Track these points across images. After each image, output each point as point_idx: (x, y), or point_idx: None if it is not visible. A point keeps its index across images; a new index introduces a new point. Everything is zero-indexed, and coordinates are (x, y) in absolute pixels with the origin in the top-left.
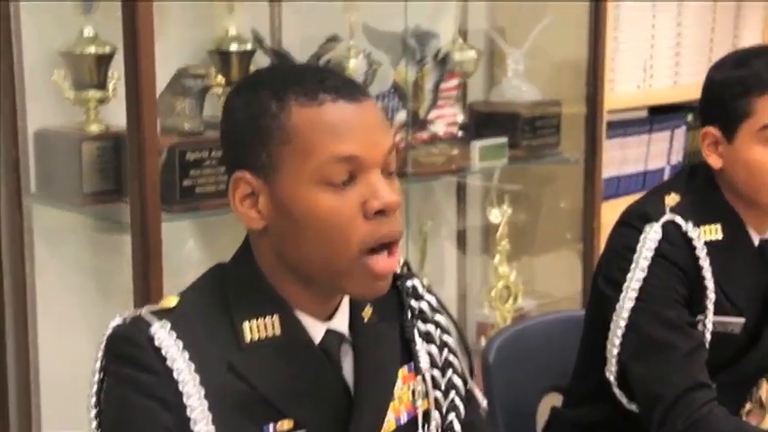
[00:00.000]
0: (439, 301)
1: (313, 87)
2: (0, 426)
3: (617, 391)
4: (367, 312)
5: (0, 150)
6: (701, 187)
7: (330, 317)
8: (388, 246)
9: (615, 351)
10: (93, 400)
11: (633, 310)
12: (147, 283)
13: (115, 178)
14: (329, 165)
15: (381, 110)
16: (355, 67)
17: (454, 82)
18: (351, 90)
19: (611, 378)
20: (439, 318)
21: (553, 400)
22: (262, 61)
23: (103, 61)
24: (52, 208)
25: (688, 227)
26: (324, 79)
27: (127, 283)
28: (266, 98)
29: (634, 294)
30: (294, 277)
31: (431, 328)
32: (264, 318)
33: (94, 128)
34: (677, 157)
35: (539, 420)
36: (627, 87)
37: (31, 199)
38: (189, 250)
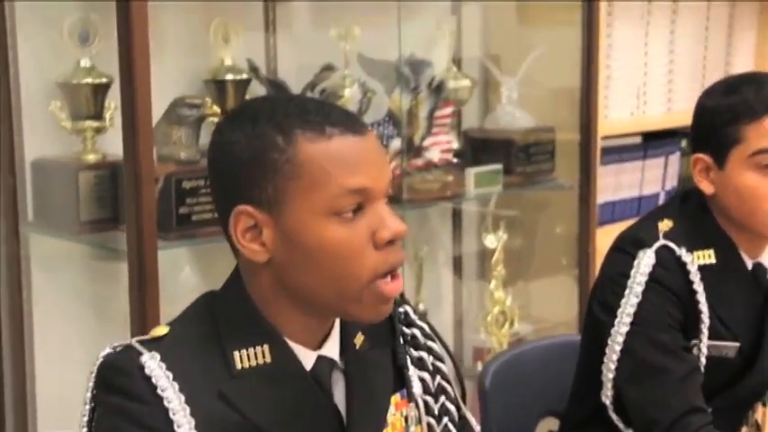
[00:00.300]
0: (431, 327)
1: (319, 121)
2: None
3: (613, 415)
4: (358, 339)
5: None
6: (693, 213)
7: (321, 344)
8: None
9: (611, 375)
10: (85, 430)
11: (628, 334)
12: (143, 310)
13: (112, 206)
14: (340, 197)
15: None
16: (350, 95)
17: (449, 110)
18: (354, 123)
19: (607, 402)
20: (431, 344)
21: (549, 424)
22: (258, 90)
23: (100, 91)
24: (49, 236)
25: (681, 252)
26: (328, 113)
27: (124, 310)
28: (270, 132)
29: (629, 319)
30: (293, 305)
31: (423, 354)
32: (255, 347)
33: (91, 157)
34: (672, 183)
35: None
36: (620, 114)
37: (28, 227)
38: (185, 277)
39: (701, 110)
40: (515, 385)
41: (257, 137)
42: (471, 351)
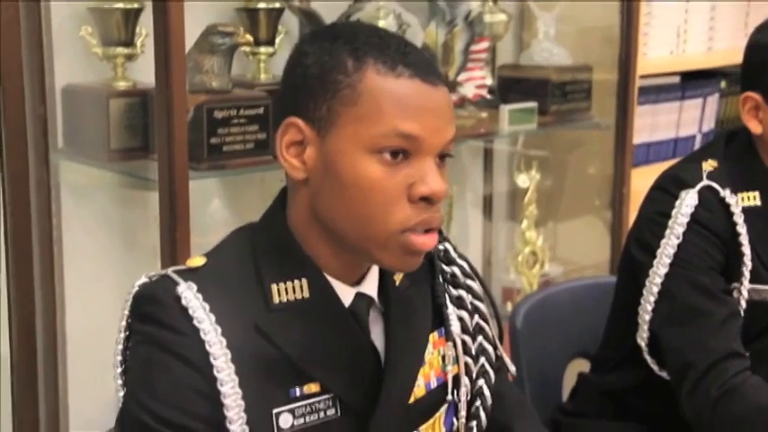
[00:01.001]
0: (471, 265)
1: (394, 57)
2: (28, 380)
3: (648, 357)
4: (398, 276)
5: (27, 106)
6: (739, 153)
7: (359, 281)
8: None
9: (647, 317)
10: (119, 358)
11: (667, 276)
12: (173, 239)
13: (142, 135)
14: (389, 137)
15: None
16: (385, 27)
17: (484, 44)
18: (429, 72)
19: (642, 344)
20: (470, 283)
21: (580, 365)
22: (290, 20)
23: (131, 17)
24: (79, 164)
25: (725, 193)
26: (407, 53)
27: (153, 239)
28: (343, 53)
29: (668, 260)
30: (326, 237)
31: (462, 293)
32: (293, 280)
33: (122, 84)
34: (709, 125)
35: (565, 386)
36: (659, 52)
37: (58, 155)
38: (214, 209)
39: (753, 46)
40: (546, 326)
41: (330, 54)
42: (500, 291)
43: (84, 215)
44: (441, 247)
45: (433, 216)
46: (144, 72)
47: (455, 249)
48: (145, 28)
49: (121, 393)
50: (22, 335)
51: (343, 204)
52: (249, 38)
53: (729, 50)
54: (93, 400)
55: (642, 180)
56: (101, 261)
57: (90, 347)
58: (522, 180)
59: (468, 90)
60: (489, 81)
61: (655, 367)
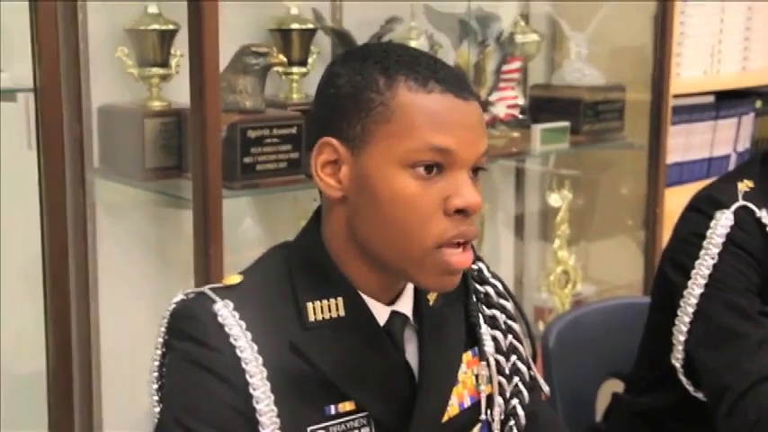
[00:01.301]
0: (504, 285)
1: (425, 74)
2: (64, 397)
3: (683, 378)
4: (432, 296)
5: (64, 126)
6: None
7: (394, 300)
8: (462, 244)
9: (682, 338)
10: (155, 374)
11: (702, 297)
12: (207, 257)
13: (177, 154)
14: (423, 151)
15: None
16: (416, 47)
17: (516, 64)
18: (460, 87)
19: (678, 365)
20: (504, 303)
21: (613, 386)
22: (322, 41)
23: (167, 38)
24: (114, 182)
25: (762, 213)
26: (437, 69)
27: (187, 257)
28: (375, 72)
29: (703, 281)
30: (362, 256)
31: (496, 312)
32: (329, 299)
33: (157, 104)
34: (744, 144)
35: (598, 407)
36: (693, 72)
37: (94, 174)
38: (247, 227)
39: None
40: (579, 346)
41: (361, 74)
42: (532, 310)
43: (119, 233)
44: (474, 266)
45: (468, 229)
46: (179, 92)
47: (488, 269)
48: (180, 49)
49: (157, 409)
50: (58, 352)
51: (379, 221)
52: (282, 58)
53: (764, 70)
54: (128, 417)
55: (675, 200)
56: (135, 278)
57: (124, 364)
58: (555, 199)
59: (500, 110)
60: (521, 101)
61: (690, 388)
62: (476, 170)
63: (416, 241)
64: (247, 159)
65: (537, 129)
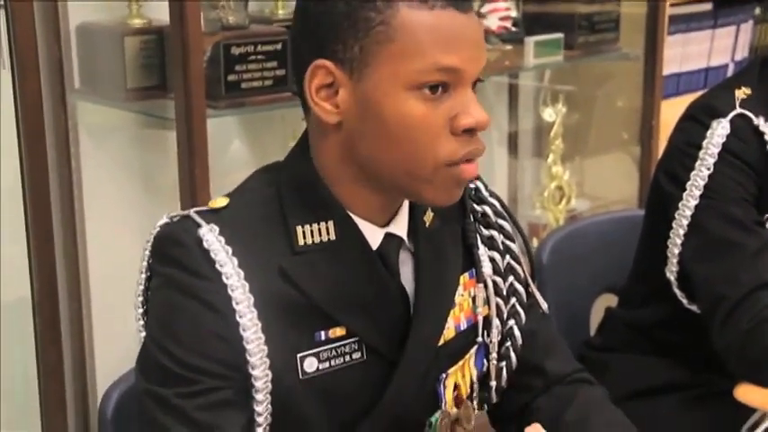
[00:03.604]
0: (503, 204)
1: None
2: (50, 322)
3: (677, 291)
4: (428, 217)
5: (41, 47)
6: None
7: (389, 222)
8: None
9: (677, 250)
10: (140, 299)
11: (697, 208)
12: (192, 178)
13: (159, 73)
14: (430, 72)
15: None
16: None
17: None
18: None
19: (672, 278)
20: (502, 222)
21: (607, 300)
22: None
23: None
24: (96, 104)
25: (759, 121)
26: None
27: (172, 178)
28: None
29: (698, 192)
30: (359, 178)
31: (494, 233)
32: (319, 222)
33: (137, 22)
34: (742, 53)
35: (592, 322)
36: None
37: (74, 95)
38: (235, 150)
39: None
40: (573, 261)
41: None
42: (527, 227)
43: (102, 156)
44: (472, 185)
45: (477, 147)
46: (159, 9)
47: (486, 187)
48: None
49: (143, 335)
50: (43, 278)
51: (386, 144)
52: None
53: None
54: (118, 340)
55: (672, 112)
56: (121, 201)
57: (112, 288)
58: (548, 114)
59: (492, 22)
60: (514, 13)
61: (684, 301)
62: (473, 84)
63: (425, 161)
64: (231, 77)
65: (530, 41)
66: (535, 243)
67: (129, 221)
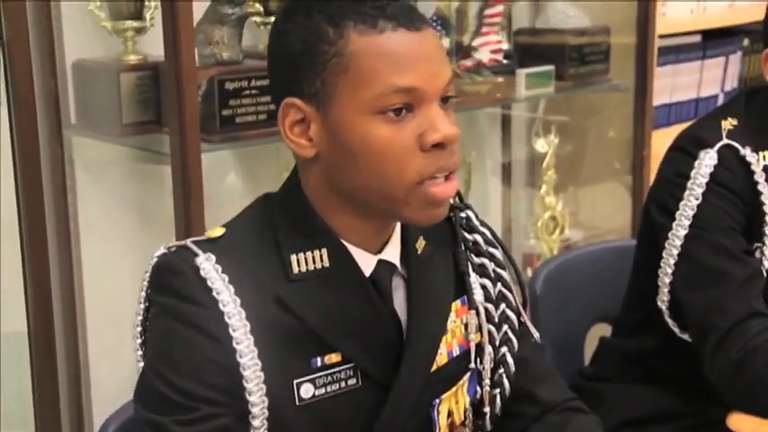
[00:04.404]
0: (493, 233)
1: (373, 13)
2: (47, 358)
3: (669, 320)
4: (420, 244)
5: (37, 82)
6: (760, 110)
7: (381, 249)
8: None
9: (667, 280)
10: (139, 329)
11: (687, 238)
12: (188, 212)
13: (155, 108)
14: (387, 96)
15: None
16: None
17: (499, 8)
18: (411, 18)
19: (663, 307)
20: (493, 251)
21: (601, 330)
22: None
23: None
24: (92, 139)
25: (746, 151)
26: (384, 5)
27: (168, 212)
28: (322, 23)
29: (687, 222)
30: (346, 206)
31: (485, 261)
32: (313, 250)
33: (132, 58)
34: (732, 84)
35: (586, 351)
36: (679, 11)
37: (70, 131)
38: (231, 182)
39: None
40: (567, 291)
41: (308, 28)
42: (521, 257)
43: (98, 191)
44: (463, 214)
45: (449, 161)
46: (154, 45)
47: (477, 217)
48: (154, 1)
49: (141, 364)
50: (38, 310)
51: (358, 172)
52: (259, 7)
53: (751, 6)
54: (115, 372)
55: (663, 142)
56: (117, 235)
57: (109, 321)
58: (541, 145)
59: (484, 55)
60: (505, 46)
61: (676, 330)
62: (445, 99)
63: (397, 181)
64: (226, 112)
65: (522, 73)
66: (530, 273)
67: (125, 255)
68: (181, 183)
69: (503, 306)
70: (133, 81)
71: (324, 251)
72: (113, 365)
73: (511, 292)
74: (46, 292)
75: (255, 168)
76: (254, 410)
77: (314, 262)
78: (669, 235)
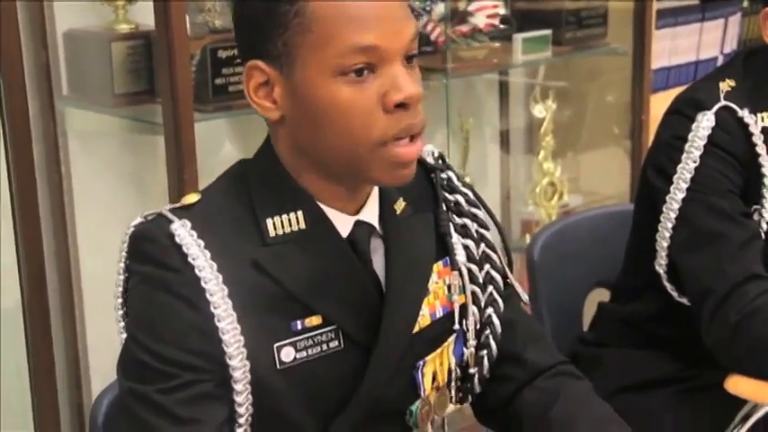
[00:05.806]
0: (475, 193)
1: None
2: (40, 330)
3: (667, 284)
4: (399, 205)
5: (28, 53)
6: (758, 71)
7: (359, 210)
8: (411, 136)
9: (665, 244)
10: (120, 300)
11: (684, 201)
12: (181, 182)
13: (147, 78)
14: (348, 56)
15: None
16: None
17: None
18: None
19: (661, 271)
20: (475, 211)
21: (600, 295)
22: None
23: None
24: (85, 110)
25: (744, 113)
26: None
27: (162, 182)
28: None
29: (685, 185)
30: (316, 168)
31: (467, 221)
32: (288, 213)
33: (123, 27)
34: (731, 46)
35: (585, 317)
36: None
37: (63, 101)
38: (225, 151)
39: None
40: (565, 256)
41: None
42: (519, 224)
43: (91, 161)
44: (444, 175)
45: (413, 122)
46: (146, 14)
47: (459, 178)
48: None
49: (124, 336)
50: (32, 283)
51: (322, 133)
52: None
53: None
54: (112, 343)
55: (662, 106)
56: (111, 206)
57: (104, 292)
58: (539, 110)
59: (480, 20)
60: (502, 10)
61: (674, 294)
62: (409, 58)
63: (360, 142)
64: (219, 81)
65: (518, 38)
66: (528, 240)
67: (119, 226)
68: (174, 153)
69: (487, 267)
70: (125, 51)
71: (299, 213)
72: (110, 336)
73: (495, 252)
74: (40, 264)
75: (249, 137)
76: (236, 374)
77: (290, 225)
78: (667, 198)
